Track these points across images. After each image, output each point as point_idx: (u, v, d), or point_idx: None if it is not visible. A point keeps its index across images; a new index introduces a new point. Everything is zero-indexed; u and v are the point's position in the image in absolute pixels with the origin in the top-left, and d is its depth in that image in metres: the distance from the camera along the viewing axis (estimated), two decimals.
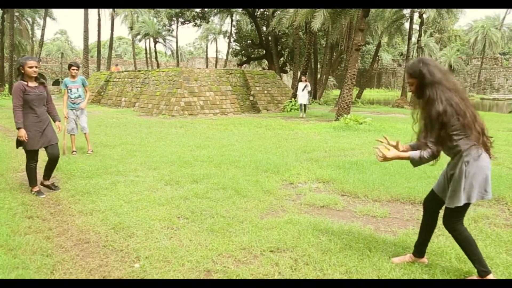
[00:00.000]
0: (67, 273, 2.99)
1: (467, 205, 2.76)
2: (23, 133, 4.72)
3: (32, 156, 4.97)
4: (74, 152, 7.50)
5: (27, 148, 4.86)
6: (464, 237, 2.82)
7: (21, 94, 4.70)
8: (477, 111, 2.75)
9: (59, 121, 5.21)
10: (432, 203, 3.04)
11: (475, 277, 2.86)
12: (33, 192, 4.93)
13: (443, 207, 2.93)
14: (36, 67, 4.80)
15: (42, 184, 5.13)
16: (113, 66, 34.80)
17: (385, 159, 2.78)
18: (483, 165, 2.69)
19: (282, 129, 11.70)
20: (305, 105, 16.33)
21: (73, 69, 7.43)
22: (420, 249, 3.11)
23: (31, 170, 4.97)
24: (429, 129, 2.68)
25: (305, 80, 16.70)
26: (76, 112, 7.65)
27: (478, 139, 2.68)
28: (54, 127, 5.15)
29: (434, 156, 2.71)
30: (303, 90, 16.09)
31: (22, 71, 4.75)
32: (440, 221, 3.05)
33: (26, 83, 4.76)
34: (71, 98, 7.55)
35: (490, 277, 2.80)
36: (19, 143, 4.87)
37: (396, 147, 2.86)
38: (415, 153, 2.74)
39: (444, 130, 2.63)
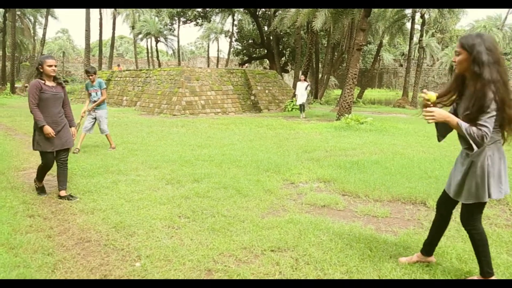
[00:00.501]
0: (68, 272, 2.99)
1: (484, 202, 2.68)
2: (49, 130, 4.53)
3: (46, 160, 4.75)
4: (77, 150, 7.52)
5: (40, 149, 4.68)
6: (481, 237, 2.75)
7: (37, 92, 4.52)
8: None
9: (75, 126, 5.09)
10: (445, 204, 2.95)
11: (475, 277, 2.86)
12: (35, 185, 4.90)
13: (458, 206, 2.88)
14: (55, 66, 4.66)
15: (59, 196, 4.76)
16: (115, 66, 34.83)
17: (434, 118, 2.53)
18: (502, 162, 2.62)
19: (283, 129, 11.70)
20: (303, 105, 15.89)
21: (89, 76, 7.69)
22: (428, 249, 3.08)
23: (42, 170, 4.81)
24: (478, 109, 2.46)
25: (304, 80, 16.32)
26: (95, 115, 7.85)
27: (503, 135, 2.56)
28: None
29: (484, 139, 2.44)
30: (305, 89, 15.72)
31: (41, 70, 4.60)
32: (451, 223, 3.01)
33: (43, 81, 4.61)
34: (91, 101, 7.86)
35: (492, 278, 2.79)
36: (37, 144, 4.68)
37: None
38: (464, 123, 2.50)
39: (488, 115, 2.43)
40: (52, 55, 5.00)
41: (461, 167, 2.72)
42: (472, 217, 2.76)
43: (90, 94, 7.83)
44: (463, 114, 2.60)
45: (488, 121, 2.42)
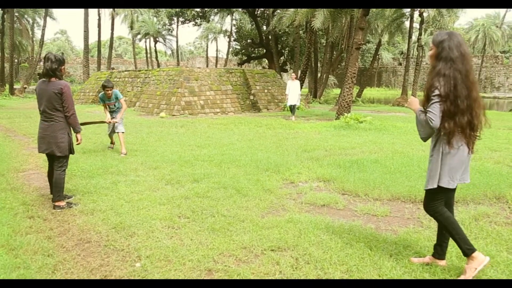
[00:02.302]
0: (69, 273, 2.99)
1: (443, 189, 2.81)
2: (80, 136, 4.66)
3: (68, 161, 4.68)
4: (112, 146, 8.09)
5: (71, 153, 4.62)
6: (445, 217, 2.85)
7: None
8: (482, 108, 2.78)
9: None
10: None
11: (464, 275, 2.84)
12: (62, 206, 4.43)
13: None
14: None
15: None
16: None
17: (409, 104, 2.93)
18: (459, 157, 2.77)
19: (282, 128, 11.70)
20: (294, 106, 14.73)
21: (107, 90, 7.47)
22: (438, 251, 3.09)
23: (64, 178, 4.60)
24: (425, 97, 2.77)
25: (296, 78, 15.38)
26: (113, 118, 7.74)
27: (463, 130, 2.71)
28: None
29: (429, 123, 2.68)
30: (298, 89, 14.65)
31: (62, 71, 4.43)
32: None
33: None
34: (113, 111, 7.81)
35: (477, 255, 2.81)
36: (70, 148, 4.60)
37: None
38: (418, 111, 2.82)
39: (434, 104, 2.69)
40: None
41: (429, 155, 2.95)
42: (430, 203, 2.90)
43: (108, 106, 7.69)
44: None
45: (432, 108, 2.67)
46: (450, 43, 2.72)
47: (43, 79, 4.46)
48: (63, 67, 4.43)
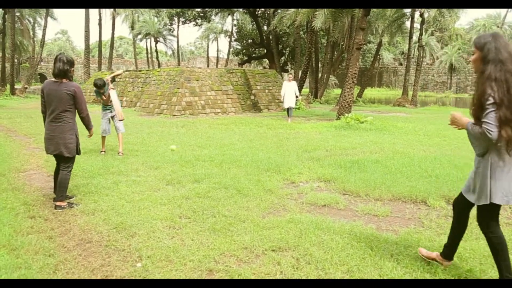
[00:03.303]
0: (70, 273, 3.00)
1: (494, 206, 2.64)
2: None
3: (73, 162, 4.72)
4: (103, 152, 7.61)
5: (78, 154, 4.64)
6: (499, 240, 2.69)
7: None
8: None
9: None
10: (459, 204, 2.93)
11: None
12: (63, 206, 4.43)
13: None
14: None
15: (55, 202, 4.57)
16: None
17: (453, 122, 2.68)
18: (510, 168, 2.57)
19: (283, 128, 11.70)
20: (291, 109, 14.10)
21: (98, 89, 7.41)
22: (447, 251, 3.02)
23: (69, 178, 4.60)
24: (478, 106, 2.53)
25: (292, 79, 14.47)
26: (111, 113, 7.71)
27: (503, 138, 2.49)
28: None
29: (488, 135, 2.42)
30: (295, 91, 14.01)
31: (72, 72, 4.44)
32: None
33: None
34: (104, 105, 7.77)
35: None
36: (78, 149, 4.63)
37: None
38: (469, 123, 2.58)
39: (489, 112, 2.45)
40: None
41: (474, 167, 2.74)
42: (484, 220, 2.74)
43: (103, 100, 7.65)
44: (470, 111, 2.64)
45: (488, 118, 2.43)
46: (496, 44, 2.54)
47: (54, 79, 4.42)
48: (73, 68, 4.44)
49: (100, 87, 7.36)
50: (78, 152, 4.64)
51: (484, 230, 2.76)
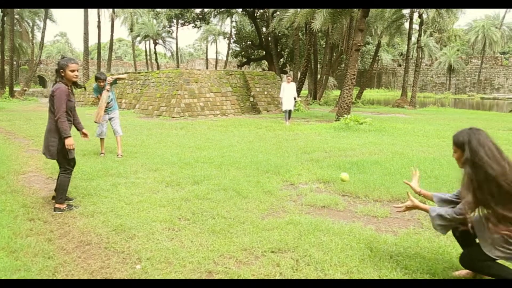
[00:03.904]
0: (69, 275, 2.99)
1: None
2: (72, 141, 4.35)
3: (71, 165, 4.58)
4: (102, 154, 7.57)
5: (70, 157, 4.47)
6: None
7: (66, 99, 4.30)
8: None
9: (83, 128, 4.83)
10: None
11: None
12: (62, 209, 4.41)
13: None
14: (77, 70, 4.44)
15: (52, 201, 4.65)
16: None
17: (406, 209, 3.05)
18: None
19: (282, 130, 11.71)
20: (290, 111, 13.78)
21: (99, 82, 7.42)
22: None
23: (67, 181, 4.53)
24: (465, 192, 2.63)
25: (291, 80, 14.00)
26: (109, 115, 7.67)
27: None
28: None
29: (460, 216, 2.59)
30: (294, 92, 13.78)
31: (62, 74, 4.33)
32: None
33: (69, 88, 4.37)
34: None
35: None
36: (69, 153, 4.45)
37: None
38: (432, 210, 2.79)
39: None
40: (74, 58, 4.60)
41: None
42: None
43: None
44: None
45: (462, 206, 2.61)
46: (471, 145, 2.64)
47: None
48: (62, 70, 4.35)
49: (102, 80, 7.37)
50: (64, 157, 4.45)
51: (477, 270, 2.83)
